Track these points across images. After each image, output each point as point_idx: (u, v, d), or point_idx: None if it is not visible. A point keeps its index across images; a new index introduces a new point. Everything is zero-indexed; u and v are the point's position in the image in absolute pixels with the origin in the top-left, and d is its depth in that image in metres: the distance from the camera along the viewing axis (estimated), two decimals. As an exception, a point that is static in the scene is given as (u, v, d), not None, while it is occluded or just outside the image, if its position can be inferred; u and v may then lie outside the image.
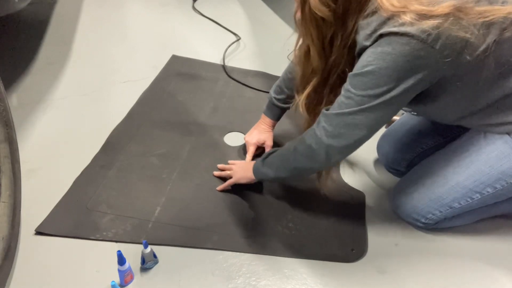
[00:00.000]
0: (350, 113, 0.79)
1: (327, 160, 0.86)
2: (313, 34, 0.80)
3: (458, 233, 1.03)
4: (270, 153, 1.00)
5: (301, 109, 0.93)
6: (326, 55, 0.83)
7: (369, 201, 1.12)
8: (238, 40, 1.93)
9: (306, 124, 0.96)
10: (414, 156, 1.11)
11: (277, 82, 1.18)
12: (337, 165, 1.21)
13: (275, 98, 1.17)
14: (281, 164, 0.95)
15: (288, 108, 1.19)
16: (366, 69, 0.74)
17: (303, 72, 0.90)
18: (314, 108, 0.91)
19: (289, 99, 1.16)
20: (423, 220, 0.99)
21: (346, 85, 0.80)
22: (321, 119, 0.85)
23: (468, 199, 0.92)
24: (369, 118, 0.78)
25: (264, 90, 1.54)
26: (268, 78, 1.64)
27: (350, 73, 0.79)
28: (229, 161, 1.18)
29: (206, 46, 1.87)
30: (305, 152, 0.88)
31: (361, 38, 0.76)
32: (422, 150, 1.10)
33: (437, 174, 0.96)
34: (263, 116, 1.23)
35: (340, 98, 0.81)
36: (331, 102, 0.86)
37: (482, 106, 0.83)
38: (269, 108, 1.21)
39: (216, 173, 1.16)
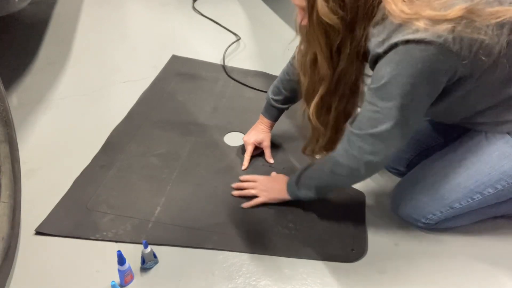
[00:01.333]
0: (385, 131, 0.79)
1: (368, 174, 0.90)
2: (321, 42, 0.79)
3: (459, 233, 1.03)
4: (300, 175, 1.00)
5: (312, 118, 0.91)
6: (334, 63, 0.82)
7: (369, 201, 1.12)
8: (238, 40, 1.93)
9: (315, 133, 0.96)
10: (414, 156, 1.11)
11: (275, 82, 1.18)
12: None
13: (272, 99, 1.17)
14: (320, 185, 0.97)
15: (286, 108, 1.19)
16: (386, 80, 0.74)
17: (310, 80, 0.89)
18: (324, 117, 0.91)
19: (286, 100, 1.16)
20: (423, 220, 0.99)
21: (370, 99, 0.79)
22: (352, 138, 0.84)
23: (469, 200, 0.92)
24: (403, 129, 0.79)
25: (264, 90, 1.54)
26: (268, 78, 1.64)
27: (371, 86, 0.78)
28: (244, 177, 1.14)
29: (206, 46, 1.87)
30: (345, 172, 0.89)
31: (373, 45, 0.75)
32: (422, 149, 1.10)
33: (438, 174, 0.96)
34: (261, 116, 1.23)
35: (367, 114, 0.81)
36: (340, 111, 0.88)
37: (492, 104, 0.84)
38: (267, 109, 1.21)
39: (236, 193, 1.10)
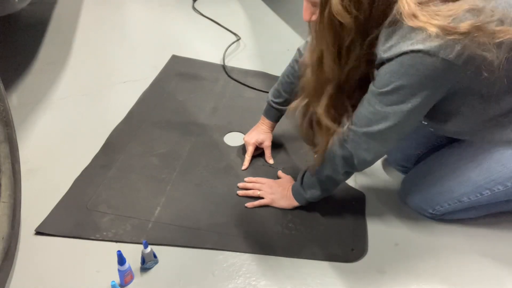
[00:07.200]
0: (378, 132, 0.81)
1: (360, 166, 0.89)
2: (329, 40, 0.77)
3: (459, 233, 1.03)
4: (303, 175, 1.01)
5: (322, 118, 0.88)
6: (341, 63, 0.80)
7: (369, 201, 1.12)
8: (238, 40, 1.93)
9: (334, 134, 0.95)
10: (424, 153, 1.11)
11: (275, 85, 1.18)
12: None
13: (273, 101, 1.18)
14: (322, 179, 0.97)
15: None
16: (390, 87, 0.75)
17: (317, 78, 0.86)
18: (339, 118, 0.89)
19: (287, 102, 1.16)
20: (430, 211, 1.01)
21: (369, 100, 0.80)
22: (350, 134, 0.86)
23: (478, 195, 0.93)
24: (397, 131, 0.81)
25: (264, 90, 1.54)
26: (268, 78, 1.64)
27: (374, 89, 0.78)
28: (250, 179, 1.14)
29: (206, 46, 1.87)
30: (340, 162, 0.90)
31: (380, 49, 0.74)
32: (432, 147, 1.10)
33: (449, 167, 0.97)
34: (262, 117, 1.23)
35: (364, 112, 0.82)
36: (353, 107, 0.86)
37: (493, 116, 0.84)
38: (268, 111, 1.21)
39: (241, 192, 1.10)
